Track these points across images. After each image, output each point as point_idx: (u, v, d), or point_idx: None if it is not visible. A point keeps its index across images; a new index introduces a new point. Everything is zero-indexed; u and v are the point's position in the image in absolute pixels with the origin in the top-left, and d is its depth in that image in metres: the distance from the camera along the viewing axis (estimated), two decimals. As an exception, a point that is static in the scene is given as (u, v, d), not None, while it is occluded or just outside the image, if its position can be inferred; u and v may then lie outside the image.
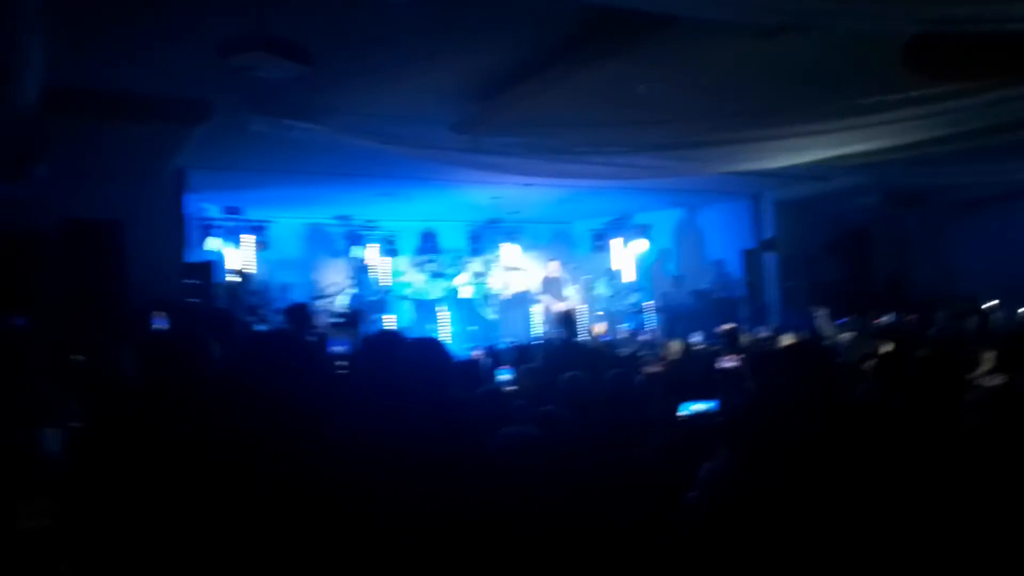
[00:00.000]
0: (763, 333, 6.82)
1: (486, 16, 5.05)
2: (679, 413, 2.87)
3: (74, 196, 7.66)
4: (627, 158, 7.71)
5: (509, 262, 13.84)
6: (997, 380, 3.67)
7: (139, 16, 4.78)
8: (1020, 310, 8.38)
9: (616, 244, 14.03)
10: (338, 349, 4.64)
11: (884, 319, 8.17)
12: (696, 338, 6.86)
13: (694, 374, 3.97)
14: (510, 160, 7.73)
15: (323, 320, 9.30)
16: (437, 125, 7.06)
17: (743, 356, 4.61)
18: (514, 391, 4.34)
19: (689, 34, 5.03)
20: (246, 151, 8.20)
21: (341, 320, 9.12)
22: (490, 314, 13.08)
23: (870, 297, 12.74)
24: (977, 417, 3.05)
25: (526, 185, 10.27)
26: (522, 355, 6.63)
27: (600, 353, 6.57)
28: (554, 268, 12.86)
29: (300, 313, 6.92)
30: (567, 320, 6.70)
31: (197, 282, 8.24)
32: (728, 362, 4.32)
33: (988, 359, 4.26)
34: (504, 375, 4.47)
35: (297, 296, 12.17)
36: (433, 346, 3.50)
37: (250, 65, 4.59)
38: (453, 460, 2.46)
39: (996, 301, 9.30)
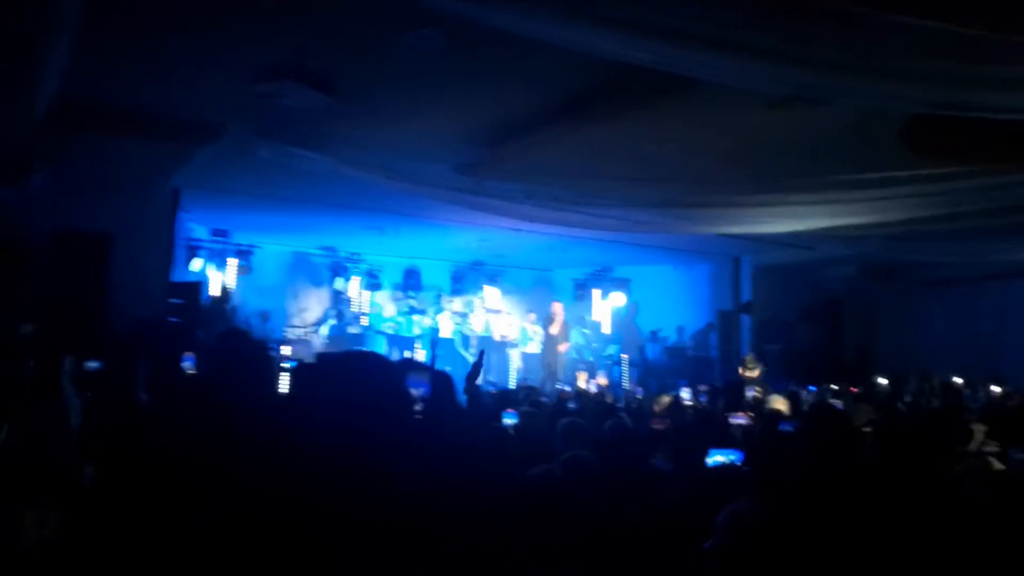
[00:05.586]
0: (751, 394, 6.96)
1: (508, 64, 5.14)
2: (707, 462, 2.93)
3: (68, 206, 7.61)
4: (623, 211, 7.86)
5: (490, 304, 13.88)
6: (992, 448, 3.83)
7: (174, 38, 4.79)
8: (993, 388, 8.64)
9: (596, 295, 14.14)
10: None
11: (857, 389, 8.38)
12: (684, 393, 6.96)
13: (702, 427, 4.04)
14: (508, 204, 7.83)
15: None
16: (442, 165, 7.15)
17: (753, 414, 4.71)
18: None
19: (704, 98, 5.20)
20: (241, 174, 8.14)
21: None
22: (468, 355, 13.07)
23: (840, 366, 13.03)
24: (975, 484, 3.18)
25: (515, 230, 10.36)
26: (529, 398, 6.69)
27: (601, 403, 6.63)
28: (558, 309, 12.62)
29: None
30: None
31: (182, 302, 8.15)
32: (740, 418, 4.41)
33: (979, 431, 4.43)
34: (510, 419, 4.46)
35: (277, 324, 12.07)
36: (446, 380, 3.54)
37: (278, 93, 4.63)
38: (482, 498, 2.47)
39: (961, 380, 9.58)
